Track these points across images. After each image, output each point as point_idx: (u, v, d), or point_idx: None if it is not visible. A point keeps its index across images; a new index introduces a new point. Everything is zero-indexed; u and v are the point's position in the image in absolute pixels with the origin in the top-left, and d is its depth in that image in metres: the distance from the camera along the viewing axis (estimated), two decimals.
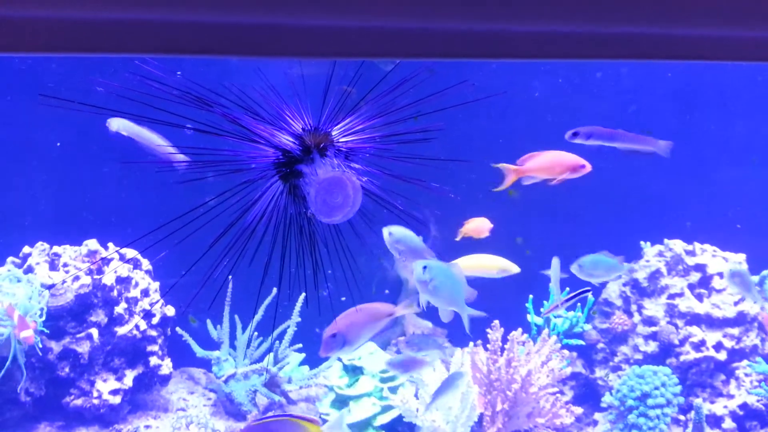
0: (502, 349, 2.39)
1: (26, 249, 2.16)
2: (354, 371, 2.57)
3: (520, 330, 2.38)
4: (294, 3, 0.59)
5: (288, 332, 2.39)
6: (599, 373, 2.79)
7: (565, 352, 2.51)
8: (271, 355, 2.36)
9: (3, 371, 1.86)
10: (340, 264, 1.28)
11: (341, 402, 2.47)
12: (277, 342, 2.39)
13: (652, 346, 2.68)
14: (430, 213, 2.62)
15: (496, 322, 2.40)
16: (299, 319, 2.48)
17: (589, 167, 1.87)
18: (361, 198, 1.16)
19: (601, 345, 2.81)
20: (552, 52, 0.66)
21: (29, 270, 2.10)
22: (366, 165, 1.21)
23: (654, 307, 2.73)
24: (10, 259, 2.16)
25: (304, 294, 2.45)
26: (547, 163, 1.86)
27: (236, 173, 1.14)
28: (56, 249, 2.18)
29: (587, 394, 2.77)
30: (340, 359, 2.63)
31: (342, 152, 1.18)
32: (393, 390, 2.51)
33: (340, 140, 1.18)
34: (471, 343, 2.47)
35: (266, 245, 1.20)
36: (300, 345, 2.50)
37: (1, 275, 2.03)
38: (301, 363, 2.59)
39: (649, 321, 2.72)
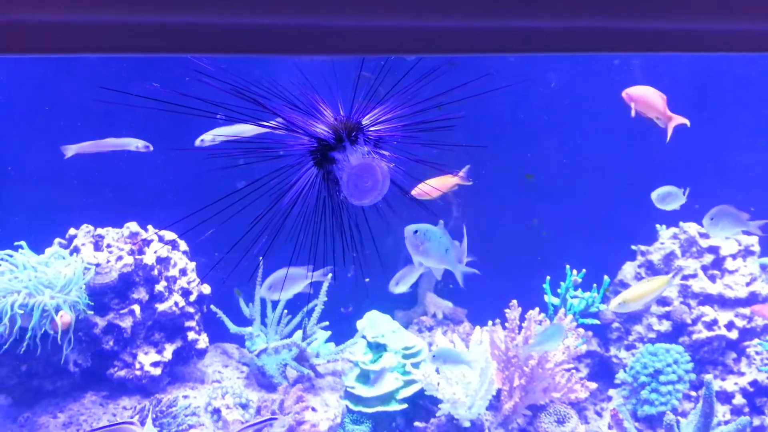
0: (520, 328, 2.50)
1: (72, 231, 2.31)
2: (377, 348, 2.70)
3: (537, 309, 2.49)
4: (324, 5, 0.68)
5: (316, 310, 2.52)
6: (614, 351, 2.89)
7: (581, 330, 2.61)
8: (300, 331, 2.50)
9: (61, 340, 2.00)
10: (368, 244, 1.40)
11: (365, 377, 2.61)
12: (306, 319, 2.52)
13: (665, 326, 2.77)
14: (452, 197, 2.72)
15: (514, 301, 2.50)
16: (326, 299, 2.61)
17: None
18: (389, 183, 1.27)
19: (616, 324, 2.90)
20: (562, 47, 0.75)
21: (75, 250, 2.25)
22: (393, 152, 1.33)
23: (668, 288, 2.82)
24: (57, 240, 2.31)
25: (330, 275, 2.58)
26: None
27: (276, 160, 1.26)
28: (100, 231, 2.33)
29: (602, 371, 2.87)
30: (364, 337, 2.76)
31: (371, 140, 1.29)
32: (416, 366, 2.64)
33: (370, 129, 1.29)
34: (490, 322, 2.58)
35: (300, 228, 1.32)
36: (326, 323, 2.64)
37: (48, 254, 2.18)
38: (328, 340, 2.73)
39: (663, 301, 2.80)
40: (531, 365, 2.44)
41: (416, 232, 1.52)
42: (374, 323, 2.83)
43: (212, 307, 2.53)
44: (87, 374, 2.24)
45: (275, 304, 2.60)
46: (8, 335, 1.96)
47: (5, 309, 1.93)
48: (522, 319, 2.49)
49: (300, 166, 1.30)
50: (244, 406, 2.25)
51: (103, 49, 0.70)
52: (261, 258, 2.45)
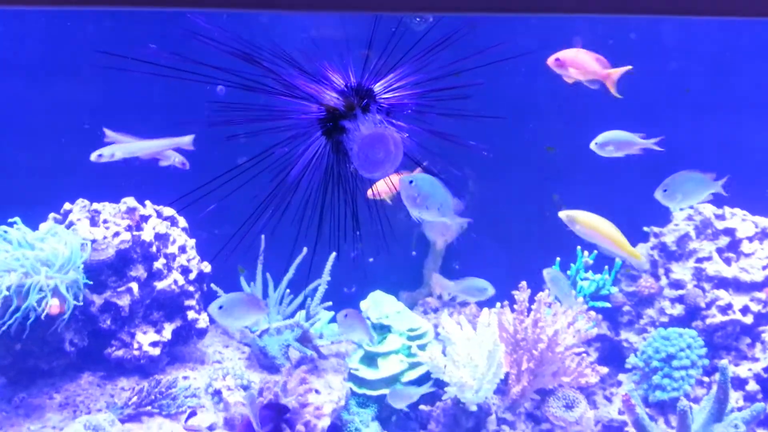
0: (529, 310, 2.43)
1: (67, 205, 2.22)
2: (382, 329, 2.63)
3: (546, 291, 2.41)
4: None
5: (319, 290, 2.45)
6: (624, 335, 2.82)
7: (592, 313, 2.54)
8: (303, 311, 2.43)
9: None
10: (379, 221, 1.31)
11: (369, 358, 2.54)
12: (309, 299, 2.45)
13: (678, 309, 2.70)
14: (469, 170, 2.64)
15: (524, 283, 2.43)
16: (329, 278, 2.54)
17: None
18: (402, 154, 1.19)
19: (627, 308, 2.83)
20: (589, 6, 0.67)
21: (70, 226, 2.16)
22: (407, 122, 1.24)
23: (681, 271, 2.74)
24: (51, 215, 2.23)
25: (334, 253, 2.50)
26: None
27: (282, 129, 1.18)
28: (96, 206, 2.25)
29: (612, 356, 2.81)
30: (368, 318, 2.69)
31: (384, 109, 1.20)
32: (421, 348, 2.58)
33: (383, 97, 1.20)
34: (498, 304, 2.51)
35: (305, 202, 1.24)
36: (330, 303, 2.57)
37: (42, 230, 2.11)
38: (331, 320, 2.66)
39: (677, 284, 2.73)
40: (540, 348, 2.38)
41: (412, 182, 1.43)
42: (378, 304, 2.76)
43: (212, 285, 2.46)
44: (83, 354, 2.18)
45: (277, 283, 2.53)
46: (2, 316, 1.89)
47: (0, 289, 1.86)
48: (531, 301, 2.42)
49: (308, 136, 1.22)
50: (246, 388, 2.19)
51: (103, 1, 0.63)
52: (262, 236, 2.35)
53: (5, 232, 2.04)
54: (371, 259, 3.08)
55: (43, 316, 1.89)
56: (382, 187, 2.09)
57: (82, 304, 2.01)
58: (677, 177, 2.02)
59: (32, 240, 2.04)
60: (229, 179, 1.18)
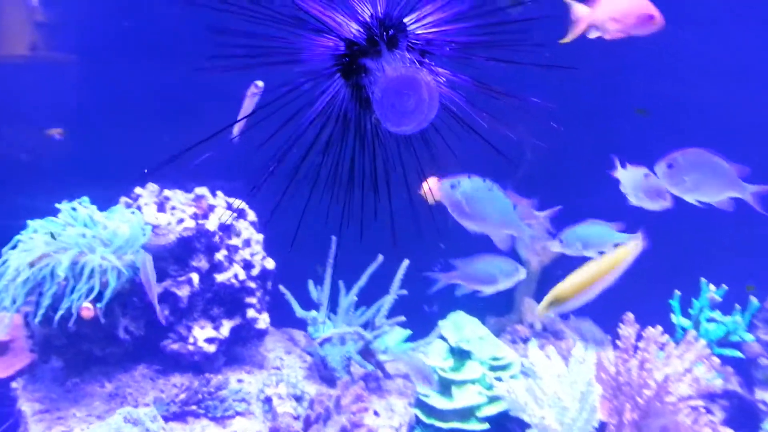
0: (635, 348, 2.04)
1: (138, 190, 2.18)
2: (461, 354, 2.34)
3: (659, 328, 2.01)
4: None
5: (387, 300, 2.21)
6: (760, 394, 2.31)
7: (716, 360, 2.09)
8: (365, 319, 2.20)
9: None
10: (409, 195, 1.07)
11: (443, 385, 2.25)
12: (375, 309, 2.22)
13: None
14: (526, 133, 2.22)
15: (631, 315, 2.04)
16: (405, 292, 2.29)
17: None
18: (438, 104, 0.94)
19: (765, 361, 2.32)
20: None
21: (138, 210, 2.10)
22: (447, 64, 0.99)
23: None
24: (123, 198, 2.19)
25: (407, 261, 2.26)
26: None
27: (288, 65, 0.97)
28: (167, 192, 2.18)
29: (742, 418, 2.31)
30: (446, 339, 2.42)
31: (417, 46, 0.97)
32: (501, 380, 2.25)
33: (416, 31, 0.97)
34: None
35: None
36: (403, 318, 2.31)
37: (112, 212, 2.06)
38: (407, 340, 2.41)
39: None
40: (647, 396, 1.97)
41: (453, 185, 1.17)
42: (459, 326, 2.47)
43: (280, 287, 2.30)
44: (139, 343, 2.09)
45: (348, 288, 2.32)
46: (59, 294, 1.84)
47: (56, 268, 1.81)
48: (639, 338, 2.02)
49: (323, 78, 1.01)
50: (298, 399, 1.99)
51: None
52: (333, 237, 2.14)
53: (74, 209, 2.01)
54: (460, 291, 2.81)
55: (88, 303, 1.81)
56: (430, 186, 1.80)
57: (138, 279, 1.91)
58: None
59: (98, 219, 1.99)
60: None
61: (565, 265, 2.77)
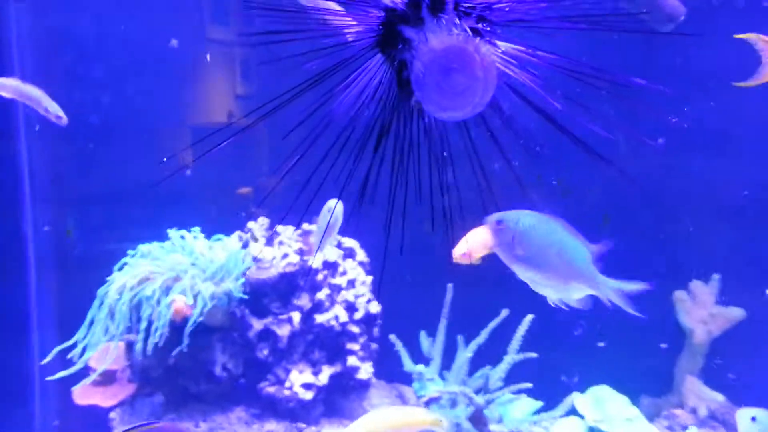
0: None
1: (250, 224, 2.13)
2: None
3: None
4: None
5: (505, 360, 1.91)
6: None
7: None
8: (482, 380, 1.90)
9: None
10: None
11: None
12: (490, 368, 1.92)
13: None
14: (617, 123, 1.64)
15: None
16: (534, 354, 1.97)
17: None
18: (495, 84, 0.71)
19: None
20: None
21: (245, 245, 2.04)
22: (509, 36, 0.76)
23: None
24: (237, 233, 2.15)
25: (530, 316, 1.96)
26: None
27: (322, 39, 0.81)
28: (278, 228, 2.11)
29: None
30: (582, 417, 2.05)
31: (473, 12, 0.75)
32: None
33: None
34: None
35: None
36: (529, 385, 1.98)
37: (219, 240, 2.03)
38: (536, 412, 2.07)
39: None
40: None
41: (501, 222, 0.91)
42: (601, 403, 2.09)
43: (391, 337, 2.09)
44: (235, 382, 1.99)
45: (467, 343, 2.05)
46: (153, 322, 1.80)
47: (148, 295, 1.78)
48: None
49: (359, 53, 0.82)
50: None
51: None
52: (449, 285, 1.90)
53: (182, 237, 2.00)
54: (601, 344, 2.40)
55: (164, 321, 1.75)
56: (473, 244, 1.50)
57: (240, 314, 1.82)
58: None
59: (201, 249, 1.96)
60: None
61: (733, 336, 2.28)
